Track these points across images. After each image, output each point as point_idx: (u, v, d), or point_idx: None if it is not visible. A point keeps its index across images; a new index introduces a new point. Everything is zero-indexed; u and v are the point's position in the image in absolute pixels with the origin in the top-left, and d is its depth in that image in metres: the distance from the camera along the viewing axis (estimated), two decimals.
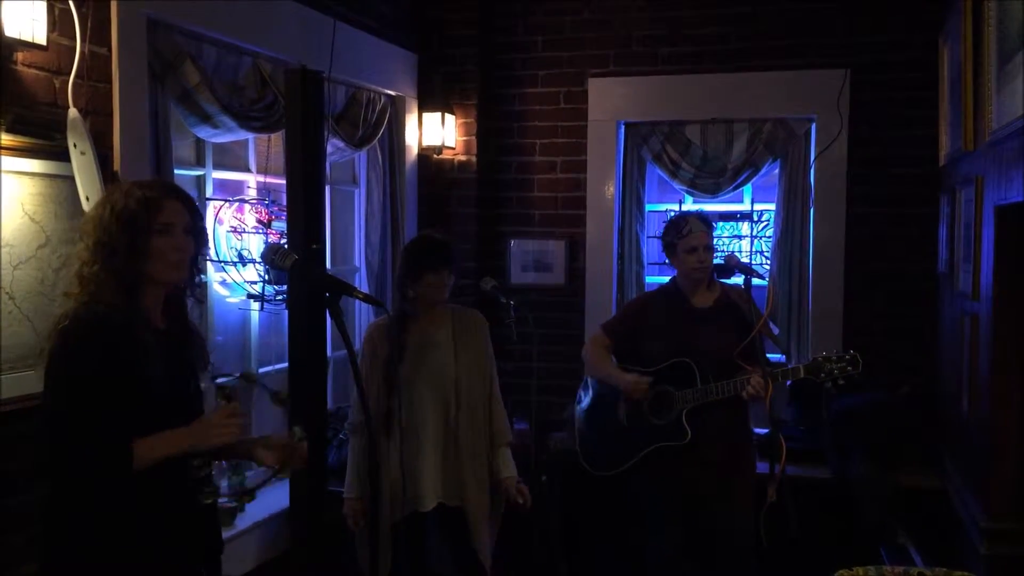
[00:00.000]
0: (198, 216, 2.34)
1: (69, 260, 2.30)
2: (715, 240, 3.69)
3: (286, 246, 3.51)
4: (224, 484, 3.73)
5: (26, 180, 2.58)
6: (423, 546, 3.62)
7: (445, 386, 3.46)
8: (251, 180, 4.02)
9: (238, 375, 2.37)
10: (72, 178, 2.69)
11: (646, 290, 4.87)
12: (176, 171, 3.33)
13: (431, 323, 3.51)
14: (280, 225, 3.84)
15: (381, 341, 3.47)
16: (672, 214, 3.84)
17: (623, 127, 5.03)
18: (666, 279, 3.97)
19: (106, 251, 2.17)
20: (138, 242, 2.19)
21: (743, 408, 3.66)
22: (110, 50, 2.89)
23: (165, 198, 2.25)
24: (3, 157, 2.50)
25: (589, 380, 3.91)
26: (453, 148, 5.00)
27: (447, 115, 4.89)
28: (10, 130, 2.51)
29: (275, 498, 3.91)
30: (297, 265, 2.57)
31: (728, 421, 3.58)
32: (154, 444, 2.13)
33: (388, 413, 3.38)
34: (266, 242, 3.78)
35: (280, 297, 3.79)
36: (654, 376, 3.61)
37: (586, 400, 3.89)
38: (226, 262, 3.73)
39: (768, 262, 4.87)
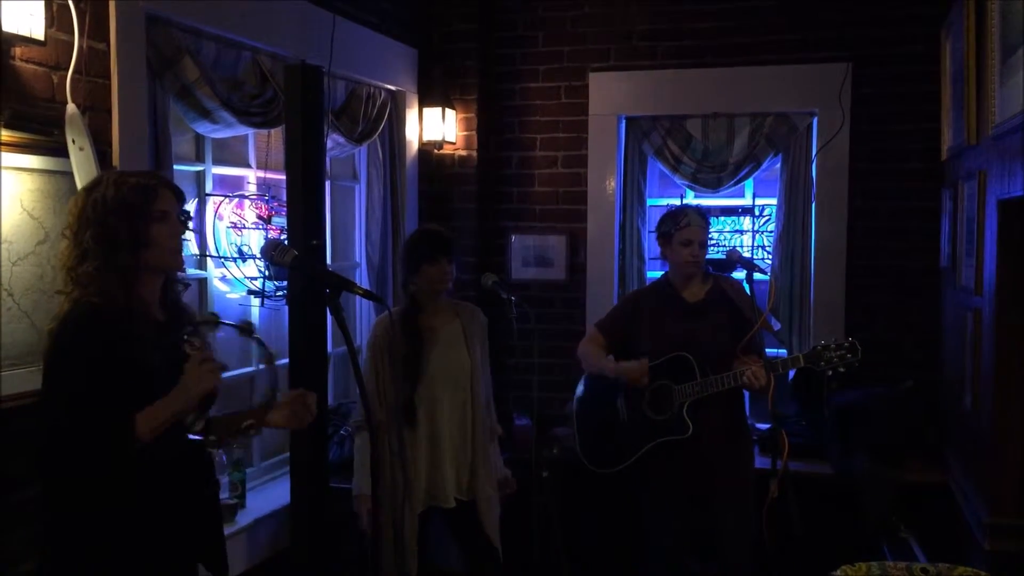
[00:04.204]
0: (184, 201, 2.36)
1: (57, 256, 2.28)
2: (716, 235, 3.68)
3: (286, 242, 3.50)
4: (225, 480, 3.73)
5: (25, 176, 2.57)
6: (438, 541, 3.64)
7: (463, 380, 3.49)
8: (251, 176, 4.01)
9: (198, 323, 2.36)
10: (71, 174, 2.67)
11: (646, 285, 4.87)
12: (175, 167, 3.31)
13: (439, 318, 3.52)
14: (280, 221, 3.83)
15: (389, 337, 3.47)
16: (671, 207, 3.83)
17: (624, 121, 5.02)
18: None
19: (106, 243, 2.15)
20: (139, 231, 2.18)
21: (742, 402, 3.66)
22: (108, 46, 2.88)
23: (160, 186, 2.25)
24: (1, 153, 2.48)
25: (587, 377, 3.90)
26: (454, 143, 4.99)
27: (447, 110, 4.88)
28: (8, 126, 2.50)
29: (276, 494, 3.91)
30: (297, 261, 2.56)
31: (728, 415, 3.59)
32: (150, 415, 2.11)
33: (407, 408, 3.38)
34: (266, 238, 3.77)
35: (280, 293, 3.78)
36: (652, 372, 3.60)
37: (585, 398, 3.88)
38: (226, 258, 3.72)
39: (770, 257, 4.86)
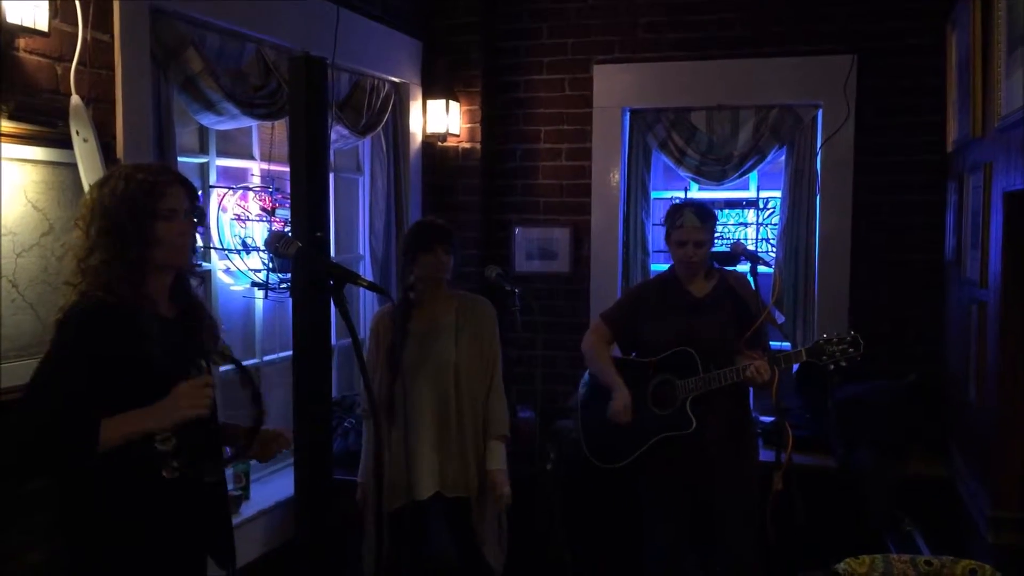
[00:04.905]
0: (197, 198, 2.34)
1: (68, 248, 2.27)
2: (718, 229, 3.66)
3: (290, 234, 3.49)
4: (229, 472, 3.73)
5: (28, 168, 2.57)
6: (423, 535, 3.62)
7: (445, 373, 3.46)
8: (255, 168, 4.01)
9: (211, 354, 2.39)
10: (75, 165, 2.68)
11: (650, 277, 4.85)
12: (179, 158, 3.32)
13: (435, 310, 3.51)
14: (284, 213, 3.83)
15: (385, 329, 3.49)
16: (676, 200, 3.81)
17: (628, 114, 5.00)
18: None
19: (113, 237, 2.15)
20: (144, 227, 2.17)
21: (746, 396, 3.66)
22: (112, 37, 2.88)
23: (168, 184, 2.24)
24: (5, 144, 2.49)
25: (590, 371, 3.89)
26: (457, 135, 4.98)
27: (451, 102, 4.88)
28: (12, 117, 2.50)
29: (280, 486, 3.92)
30: (301, 253, 2.56)
31: (731, 409, 3.58)
32: (122, 422, 2.07)
33: (390, 400, 3.38)
34: (270, 230, 3.77)
35: (284, 285, 3.78)
36: (655, 366, 3.60)
37: (588, 392, 3.87)
38: (230, 250, 3.72)
39: (774, 249, 4.85)
